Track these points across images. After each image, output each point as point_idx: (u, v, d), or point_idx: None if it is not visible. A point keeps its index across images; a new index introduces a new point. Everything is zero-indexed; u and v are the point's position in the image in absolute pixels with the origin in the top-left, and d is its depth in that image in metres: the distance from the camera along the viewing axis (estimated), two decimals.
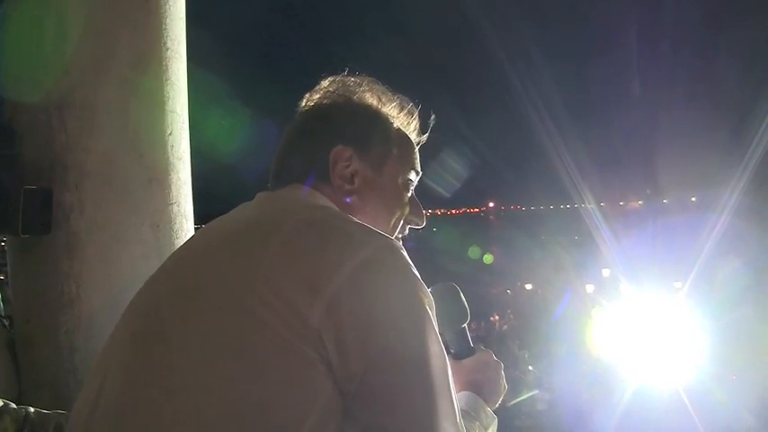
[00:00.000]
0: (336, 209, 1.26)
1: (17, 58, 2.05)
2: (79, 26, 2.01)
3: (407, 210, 1.40)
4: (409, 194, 1.42)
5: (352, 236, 1.10)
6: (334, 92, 1.42)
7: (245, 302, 1.01)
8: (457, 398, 1.09)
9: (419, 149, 1.48)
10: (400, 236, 1.41)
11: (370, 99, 1.42)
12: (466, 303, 1.54)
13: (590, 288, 22.80)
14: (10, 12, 2.07)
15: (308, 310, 0.99)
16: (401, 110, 1.44)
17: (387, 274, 1.07)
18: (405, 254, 1.10)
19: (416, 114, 1.46)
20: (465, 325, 1.55)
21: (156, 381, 1.02)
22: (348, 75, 1.44)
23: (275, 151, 1.40)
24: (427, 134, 1.50)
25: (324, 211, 1.22)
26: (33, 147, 1.99)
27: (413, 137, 1.46)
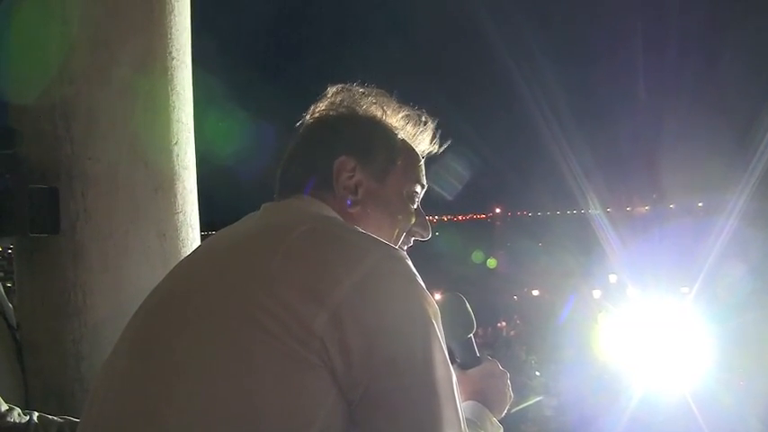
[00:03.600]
0: (340, 219, 1.26)
1: (22, 66, 2.07)
2: (84, 34, 2.01)
3: (412, 221, 1.40)
4: (414, 206, 1.42)
5: (356, 245, 1.10)
6: (340, 103, 1.42)
7: (248, 310, 1.01)
8: (462, 407, 1.09)
9: (427, 159, 1.47)
10: (404, 247, 1.41)
11: (375, 110, 1.41)
12: (472, 313, 1.54)
13: (597, 293, 22.76)
14: (14, 19, 2.08)
15: (312, 319, 0.99)
16: (407, 121, 1.43)
17: (391, 284, 1.07)
18: (410, 263, 1.10)
19: (424, 126, 1.45)
20: (471, 335, 1.55)
21: (156, 387, 1.02)
22: (356, 85, 1.44)
23: (280, 161, 1.40)
24: (436, 145, 1.49)
25: (328, 221, 1.23)
26: (39, 155, 2.00)
27: (419, 148, 1.46)
